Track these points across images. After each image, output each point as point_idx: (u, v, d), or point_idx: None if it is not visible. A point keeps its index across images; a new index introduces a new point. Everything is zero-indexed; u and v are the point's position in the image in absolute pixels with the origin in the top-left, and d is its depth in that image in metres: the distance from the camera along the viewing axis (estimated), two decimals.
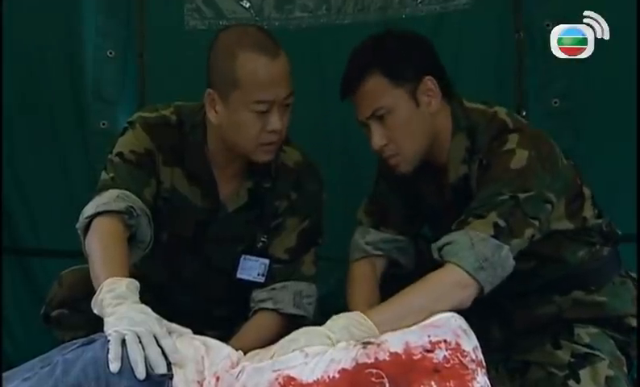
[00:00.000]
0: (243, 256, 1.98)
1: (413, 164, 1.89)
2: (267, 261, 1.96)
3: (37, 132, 2.64)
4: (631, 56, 2.34)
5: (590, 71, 2.41)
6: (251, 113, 1.81)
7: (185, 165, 1.95)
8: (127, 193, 1.81)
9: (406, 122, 1.84)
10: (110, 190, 1.81)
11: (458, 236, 1.70)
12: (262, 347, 1.64)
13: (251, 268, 1.97)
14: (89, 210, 1.77)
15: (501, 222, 1.70)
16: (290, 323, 1.86)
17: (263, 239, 1.98)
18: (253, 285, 1.96)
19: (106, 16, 2.61)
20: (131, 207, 1.78)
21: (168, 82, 2.58)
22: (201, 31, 2.61)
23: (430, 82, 1.85)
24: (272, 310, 1.91)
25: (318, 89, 2.55)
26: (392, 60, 1.84)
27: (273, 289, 1.93)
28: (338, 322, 1.58)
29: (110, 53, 2.61)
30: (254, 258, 1.98)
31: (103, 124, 2.61)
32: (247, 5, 2.62)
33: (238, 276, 1.98)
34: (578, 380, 1.80)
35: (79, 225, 1.77)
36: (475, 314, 1.64)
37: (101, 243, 1.70)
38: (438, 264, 1.71)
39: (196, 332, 1.61)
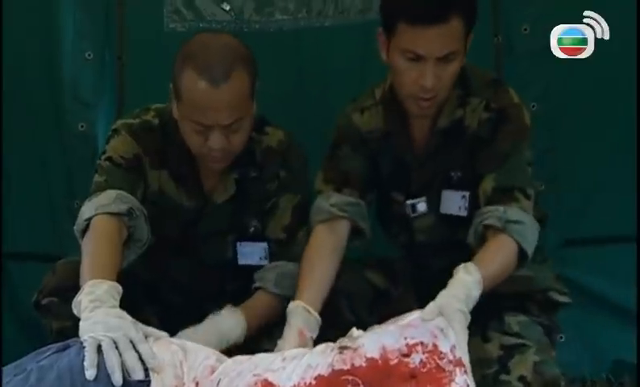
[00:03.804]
0: (238, 243, 1.98)
1: (436, 109, 1.91)
2: (265, 244, 1.96)
3: (14, 134, 2.61)
4: (613, 58, 2.35)
5: (567, 74, 2.43)
6: (190, 128, 1.82)
7: (171, 166, 1.95)
8: (124, 193, 1.81)
9: (457, 70, 1.86)
10: (107, 191, 1.81)
11: (525, 218, 1.80)
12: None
13: (252, 253, 1.96)
14: (87, 211, 1.78)
15: (532, 198, 1.84)
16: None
17: (255, 225, 1.98)
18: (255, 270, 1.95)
19: (84, 17, 2.58)
20: (131, 209, 1.79)
21: (148, 84, 2.55)
22: (180, 33, 2.58)
23: (471, 37, 1.88)
24: (261, 288, 1.92)
25: (298, 91, 2.55)
26: (471, 7, 1.85)
27: (266, 268, 1.93)
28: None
29: (89, 55, 2.58)
30: (250, 243, 1.97)
31: (81, 127, 2.58)
32: (228, 7, 2.61)
33: (241, 263, 1.97)
34: (508, 372, 1.81)
35: (77, 226, 1.78)
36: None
37: (94, 246, 1.71)
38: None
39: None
